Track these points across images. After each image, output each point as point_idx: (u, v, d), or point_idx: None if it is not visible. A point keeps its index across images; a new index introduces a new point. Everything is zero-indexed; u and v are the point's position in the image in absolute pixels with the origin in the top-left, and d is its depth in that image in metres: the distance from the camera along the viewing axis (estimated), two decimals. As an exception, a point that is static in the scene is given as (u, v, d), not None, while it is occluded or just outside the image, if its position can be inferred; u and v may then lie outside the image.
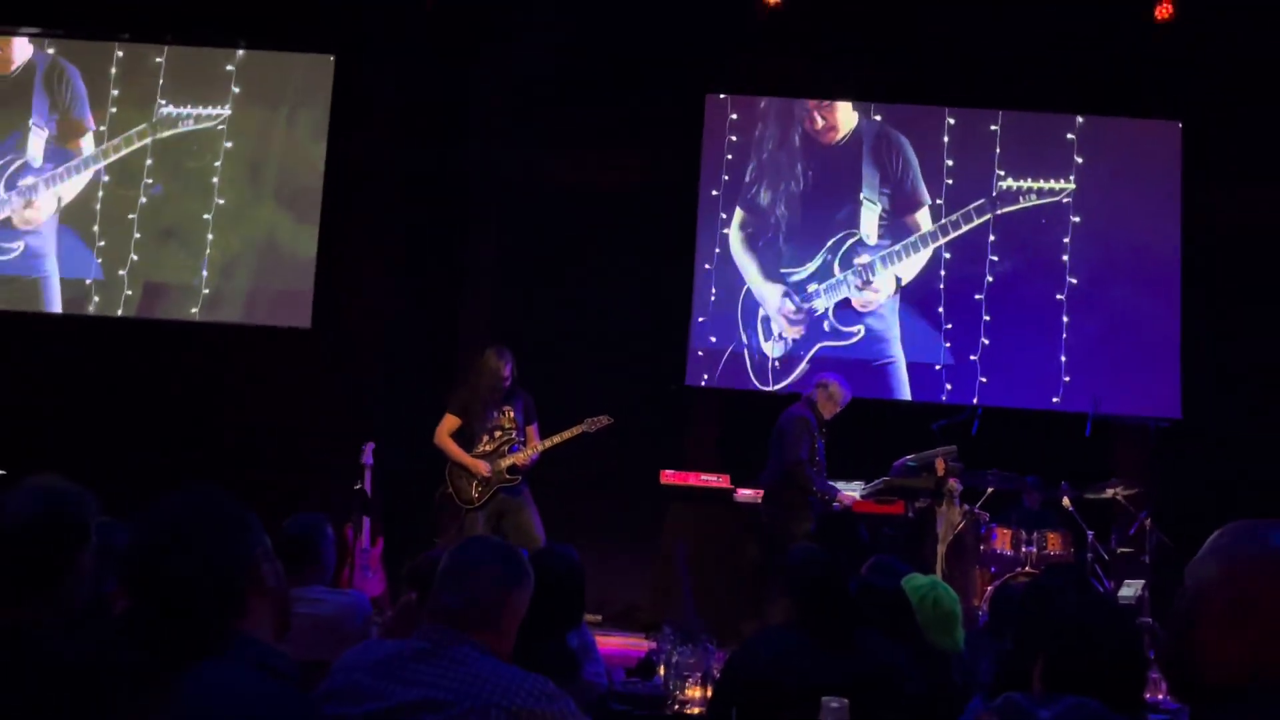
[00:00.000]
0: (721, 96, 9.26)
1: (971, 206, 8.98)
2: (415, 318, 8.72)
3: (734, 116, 9.22)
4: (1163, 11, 8.55)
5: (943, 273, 9.01)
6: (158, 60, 8.68)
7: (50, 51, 8.72)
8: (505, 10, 9.01)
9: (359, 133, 8.66)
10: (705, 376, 8.94)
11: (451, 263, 9.13)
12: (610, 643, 6.72)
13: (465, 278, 9.22)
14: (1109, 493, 7.79)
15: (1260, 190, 9.06)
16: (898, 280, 8.98)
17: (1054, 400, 8.84)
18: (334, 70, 8.67)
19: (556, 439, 6.90)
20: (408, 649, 2.31)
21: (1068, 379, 8.84)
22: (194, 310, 8.48)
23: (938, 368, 8.83)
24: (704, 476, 7.88)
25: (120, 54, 8.70)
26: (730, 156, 9.07)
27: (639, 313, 8.96)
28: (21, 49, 8.70)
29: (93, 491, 2.36)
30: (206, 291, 8.54)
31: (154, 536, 1.78)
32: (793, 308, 8.94)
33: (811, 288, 8.97)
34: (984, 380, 8.83)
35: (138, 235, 8.58)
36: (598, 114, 9.04)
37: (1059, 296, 8.95)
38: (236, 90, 8.67)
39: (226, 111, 8.63)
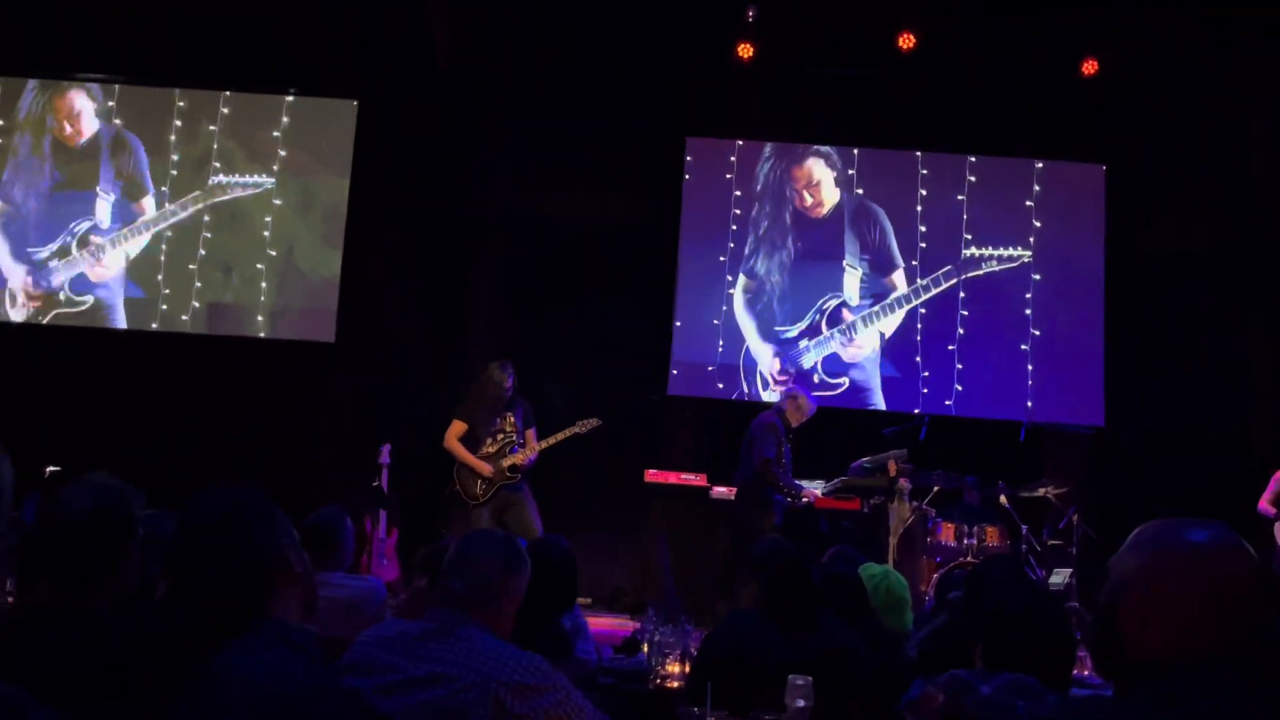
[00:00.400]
0: (701, 140, 9.29)
1: (940, 273, 9.04)
2: (427, 334, 8.72)
3: (731, 159, 9.25)
4: (1089, 68, 8.61)
5: (919, 326, 9.05)
6: (211, 129, 8.74)
7: (116, 123, 8.77)
8: (508, 68, 9.04)
9: (379, 170, 8.66)
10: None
11: (460, 286, 9.13)
12: (599, 623, 6.70)
13: (472, 299, 9.22)
14: (1040, 491, 7.79)
15: (1172, 224, 9.12)
16: (880, 336, 9.02)
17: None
18: (357, 114, 8.67)
19: (552, 440, 6.89)
20: (418, 629, 2.30)
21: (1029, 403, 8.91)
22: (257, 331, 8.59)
23: (916, 412, 8.85)
24: (683, 476, 7.88)
25: (178, 123, 8.75)
26: (734, 228, 9.14)
27: (625, 332, 8.96)
28: (89, 122, 8.74)
29: (140, 488, 2.35)
30: (260, 318, 8.59)
31: (194, 529, 1.77)
32: (779, 367, 8.99)
33: (802, 344, 9.04)
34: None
35: (198, 284, 8.65)
36: (589, 157, 9.05)
37: (1024, 347, 9.00)
38: (283, 153, 8.71)
39: (271, 182, 8.68)
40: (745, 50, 8.58)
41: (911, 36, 8.38)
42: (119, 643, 2.04)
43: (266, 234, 8.67)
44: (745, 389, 8.95)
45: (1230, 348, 9.04)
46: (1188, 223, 9.12)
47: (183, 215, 8.68)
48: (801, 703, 1.62)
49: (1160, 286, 9.01)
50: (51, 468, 6.65)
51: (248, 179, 8.69)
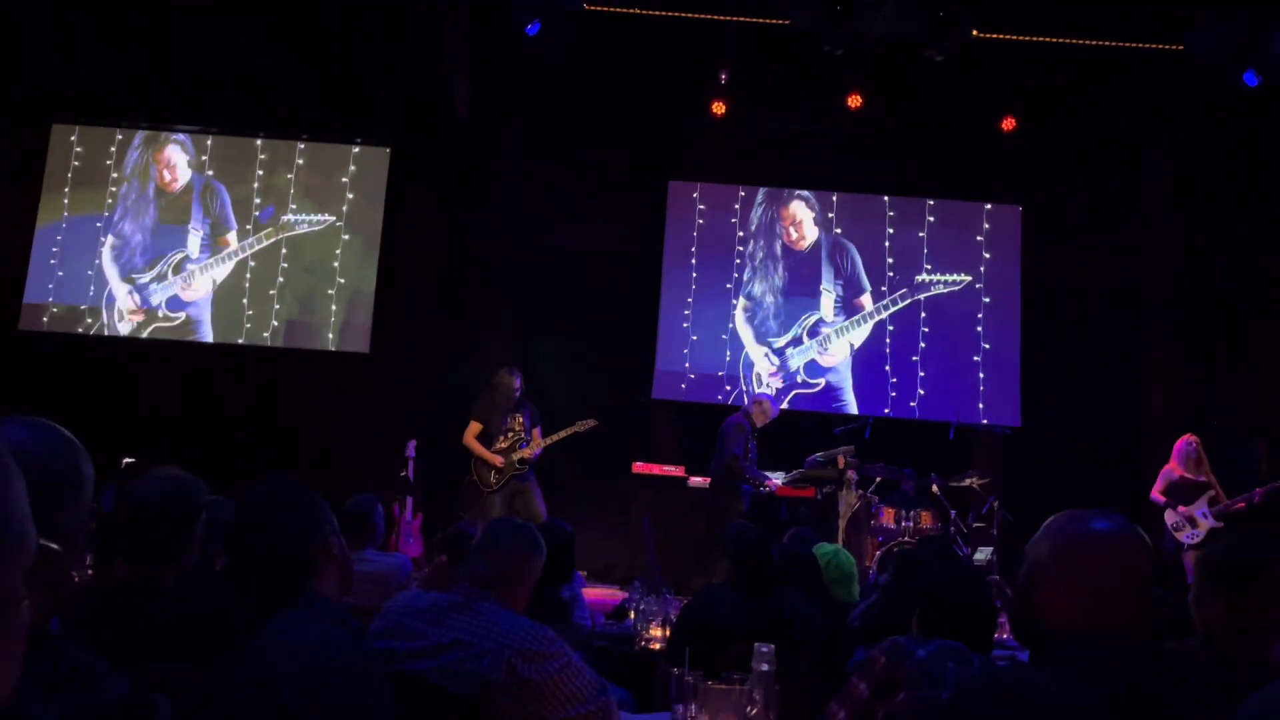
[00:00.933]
0: (681, 183, 9.32)
1: (898, 294, 9.10)
2: (449, 346, 8.70)
3: (695, 196, 9.28)
4: (1008, 124, 8.66)
5: (887, 340, 9.08)
6: (288, 177, 8.83)
7: (208, 173, 8.90)
8: (519, 117, 9.05)
9: (407, 206, 8.65)
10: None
11: (477, 305, 9.12)
12: (592, 593, 6.68)
13: (488, 316, 9.21)
14: (967, 482, 7.81)
15: (1077, 256, 9.18)
16: (851, 346, 9.06)
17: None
18: (389, 159, 8.67)
19: (555, 437, 6.88)
20: (445, 601, 2.29)
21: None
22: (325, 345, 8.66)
23: (886, 411, 8.87)
24: (665, 467, 7.86)
25: (260, 173, 8.84)
26: (738, 261, 9.22)
27: (618, 343, 8.97)
28: (183, 172, 8.89)
29: (206, 478, 2.35)
30: (331, 335, 8.64)
31: (247, 516, 1.77)
32: (770, 367, 9.03)
33: (789, 351, 9.06)
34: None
35: (277, 306, 8.67)
36: (589, 195, 9.07)
37: (975, 358, 9.04)
38: (350, 196, 8.77)
39: (329, 218, 8.75)
40: (719, 107, 8.62)
41: (859, 97, 8.42)
42: (184, 613, 2.03)
43: (331, 263, 8.69)
44: (744, 388, 8.94)
45: (1128, 361, 9.10)
46: (1092, 254, 9.18)
47: (258, 247, 8.76)
48: (765, 667, 1.62)
49: (1068, 308, 9.07)
50: (127, 459, 6.60)
51: (311, 216, 8.76)
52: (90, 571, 2.91)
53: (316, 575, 1.75)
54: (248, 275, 8.69)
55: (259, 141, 8.77)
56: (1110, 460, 8.70)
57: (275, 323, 8.58)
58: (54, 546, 1.06)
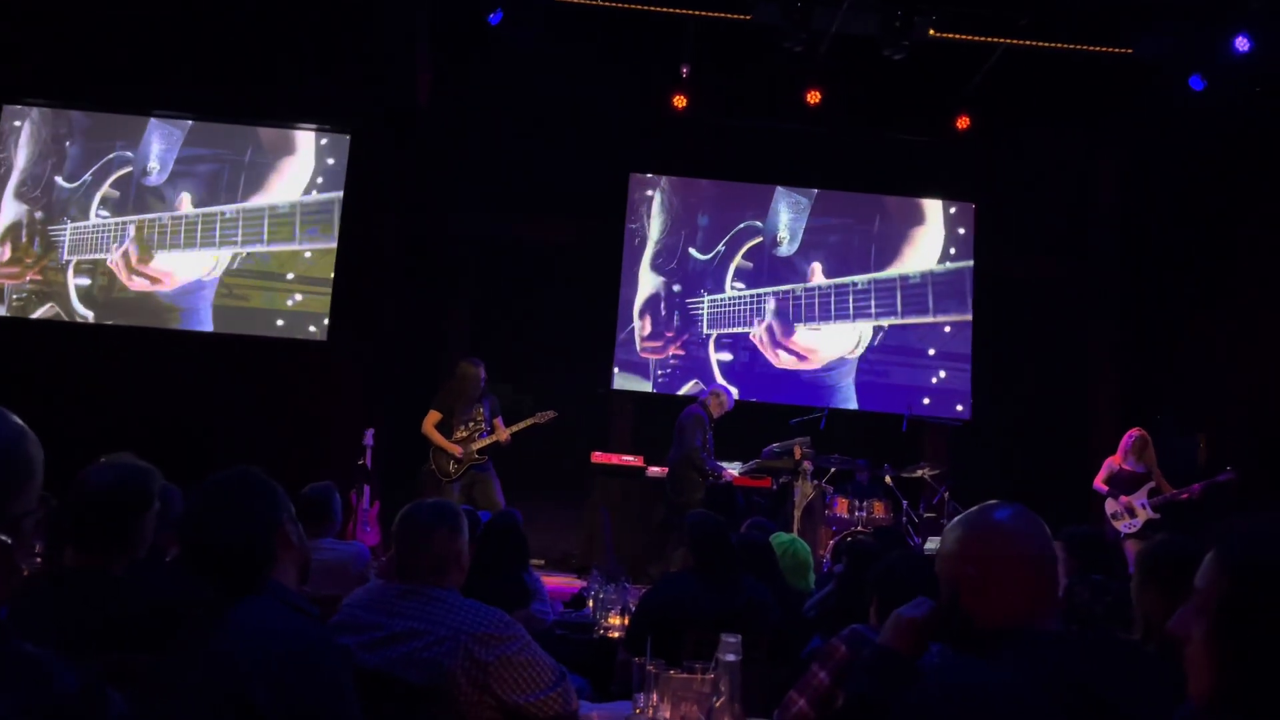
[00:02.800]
0: (642, 175, 9.30)
1: (854, 287, 9.16)
2: (407, 334, 8.59)
3: (655, 189, 9.25)
4: (962, 123, 8.74)
5: (844, 332, 9.14)
6: (247, 162, 8.53)
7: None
8: (479, 107, 8.96)
9: (368, 192, 8.48)
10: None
11: (437, 293, 9.03)
12: (549, 581, 6.64)
13: (447, 306, 9.12)
14: (918, 472, 7.89)
15: (1027, 253, 9.31)
16: (808, 337, 9.12)
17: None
18: (350, 144, 8.51)
19: (515, 428, 6.82)
20: (396, 590, 2.24)
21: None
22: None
23: (839, 403, 8.94)
24: (623, 458, 7.85)
25: (221, 157, 8.56)
26: (696, 253, 9.21)
27: (576, 336, 8.94)
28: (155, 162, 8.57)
29: (157, 466, 2.28)
30: (285, 322, 8.40)
31: (207, 506, 1.72)
32: (728, 356, 9.10)
33: (750, 337, 9.13)
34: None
35: (234, 292, 8.42)
36: (548, 187, 9.01)
37: (929, 351, 9.13)
38: (309, 182, 8.50)
39: (289, 204, 8.49)
40: (680, 101, 8.59)
41: (818, 94, 8.44)
42: (137, 602, 1.98)
43: (289, 249, 8.46)
44: (704, 378, 8.96)
45: (1074, 356, 9.26)
46: (1041, 251, 9.32)
47: (227, 232, 8.46)
48: (732, 657, 1.60)
49: (1018, 303, 9.19)
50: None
51: (270, 202, 8.50)
52: (39, 560, 2.83)
53: (276, 565, 1.71)
54: (208, 261, 8.46)
55: (218, 126, 8.56)
56: (1057, 452, 8.84)
57: (232, 308, 8.38)
58: (4, 539, 1.02)
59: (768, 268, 9.19)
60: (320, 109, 8.46)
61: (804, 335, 9.11)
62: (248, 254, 8.44)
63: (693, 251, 9.21)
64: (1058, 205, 9.28)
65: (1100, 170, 9.36)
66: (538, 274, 8.98)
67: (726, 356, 9.06)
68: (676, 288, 9.14)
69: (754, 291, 9.16)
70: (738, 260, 9.20)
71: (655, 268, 9.16)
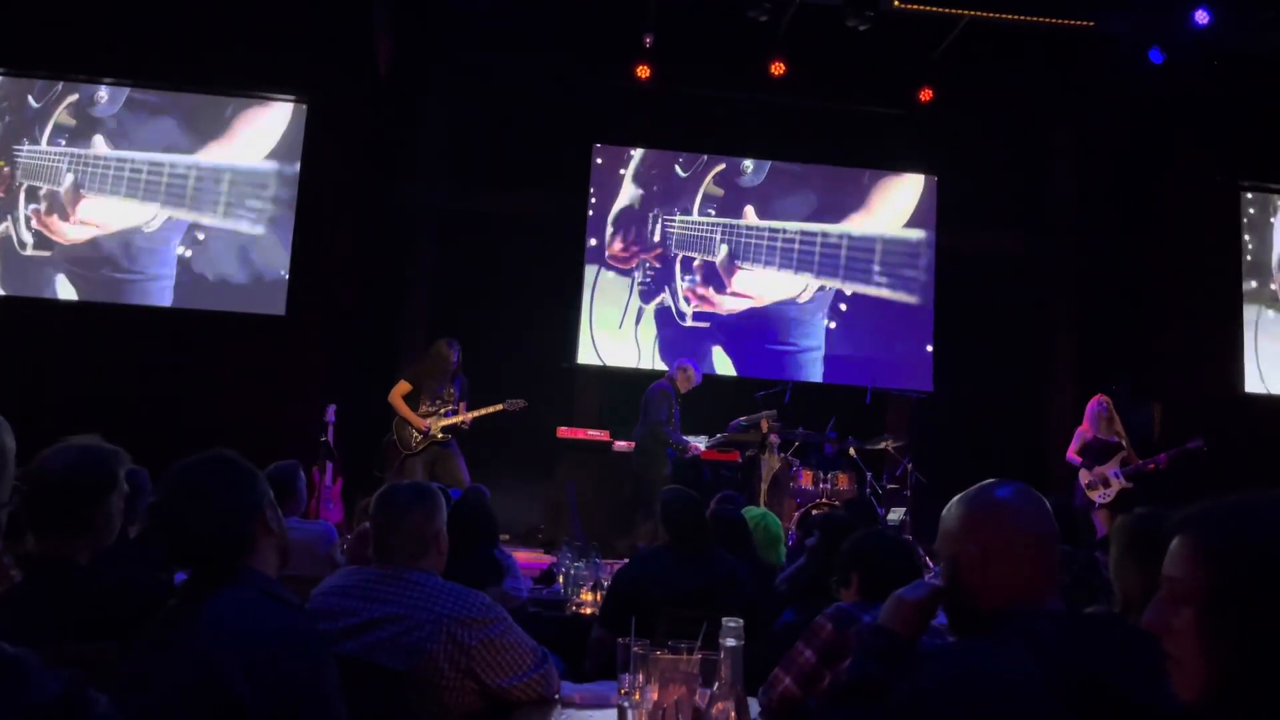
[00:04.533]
0: (606, 146, 9.20)
1: (818, 258, 9.13)
2: (368, 308, 8.44)
3: (619, 160, 9.17)
4: (925, 95, 8.75)
5: (807, 305, 9.14)
6: (200, 130, 8.28)
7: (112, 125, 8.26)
8: (439, 77, 8.79)
9: (326, 163, 8.29)
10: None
11: (398, 266, 8.89)
12: (517, 557, 6.61)
13: (408, 279, 8.99)
14: (882, 445, 7.94)
15: (987, 226, 9.38)
16: (772, 308, 9.12)
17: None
18: (306, 114, 8.30)
19: (481, 412, 6.78)
20: (374, 575, 2.19)
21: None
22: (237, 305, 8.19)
23: (804, 375, 8.98)
24: (589, 432, 7.82)
25: (171, 125, 8.24)
26: (662, 225, 9.11)
27: (542, 309, 8.86)
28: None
29: (129, 447, 2.20)
30: (244, 296, 8.17)
31: (181, 493, 1.65)
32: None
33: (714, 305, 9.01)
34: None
35: (189, 266, 8.14)
36: (511, 159, 8.89)
37: (891, 324, 9.18)
38: (265, 152, 8.27)
39: (243, 174, 8.22)
40: (643, 71, 8.50)
41: (782, 65, 8.39)
42: (103, 590, 1.91)
43: (245, 221, 8.24)
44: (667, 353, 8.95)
45: (1033, 329, 9.37)
46: (1001, 225, 9.39)
47: (176, 201, 8.19)
48: (733, 641, 1.57)
49: (978, 277, 9.26)
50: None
51: (225, 165, 8.25)
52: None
53: (254, 552, 1.65)
54: (157, 233, 8.22)
55: (171, 94, 8.30)
56: (1017, 423, 8.97)
57: (186, 283, 8.17)
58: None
59: (730, 238, 9.17)
60: (278, 79, 8.24)
61: (764, 304, 9.10)
62: (201, 228, 8.22)
63: (658, 221, 9.15)
64: (1019, 178, 9.35)
65: (1060, 143, 9.44)
66: (500, 247, 8.87)
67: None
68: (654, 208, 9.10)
69: (715, 220, 9.13)
70: (695, 234, 9.17)
71: (623, 239, 9.10)
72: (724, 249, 9.12)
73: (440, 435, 6.66)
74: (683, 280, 9.07)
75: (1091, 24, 7.62)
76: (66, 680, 0.98)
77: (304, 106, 8.27)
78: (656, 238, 9.12)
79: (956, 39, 8.19)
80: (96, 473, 2.08)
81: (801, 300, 9.12)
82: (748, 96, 8.95)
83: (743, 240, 9.15)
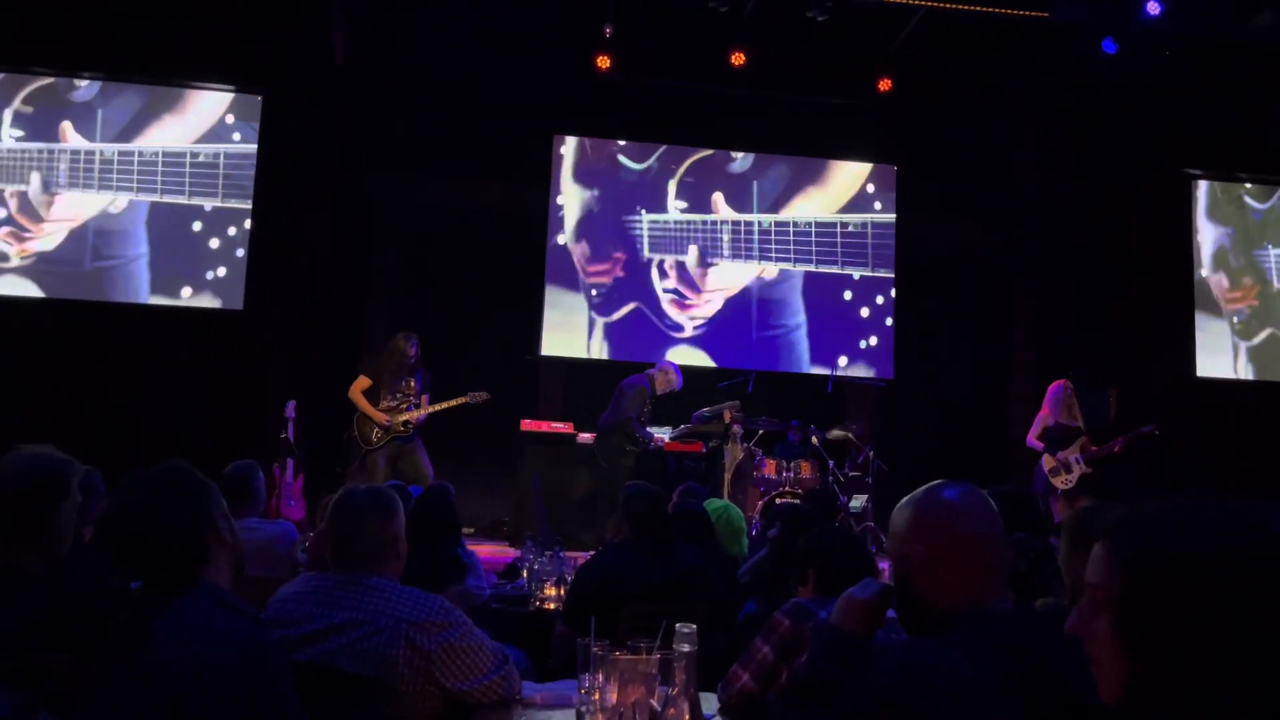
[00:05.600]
0: (566, 137, 9.18)
1: (775, 253, 9.19)
2: (327, 302, 8.35)
3: (580, 151, 9.15)
4: (884, 85, 8.81)
5: (768, 294, 9.17)
6: (155, 122, 8.11)
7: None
8: (398, 67, 8.69)
9: (283, 154, 8.18)
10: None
11: (358, 260, 8.81)
12: (481, 550, 6.60)
13: (369, 272, 8.91)
14: (844, 433, 8.02)
15: (947, 216, 9.48)
16: (731, 299, 9.14)
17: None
18: (262, 105, 8.19)
19: (443, 405, 6.75)
20: (332, 580, 2.19)
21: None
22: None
23: (766, 365, 9.00)
24: (553, 425, 7.81)
25: (127, 117, 8.07)
26: (624, 215, 9.07)
27: (504, 301, 8.82)
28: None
29: (65, 447, 2.17)
30: (201, 291, 8.02)
31: (133, 504, 1.64)
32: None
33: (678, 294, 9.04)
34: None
35: (144, 261, 8.02)
36: (470, 151, 8.83)
37: (852, 313, 9.25)
38: (221, 144, 8.14)
39: (200, 166, 8.10)
40: (604, 61, 8.47)
41: (742, 55, 8.41)
42: (57, 601, 1.89)
43: (202, 213, 8.11)
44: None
45: (992, 318, 9.49)
46: (960, 214, 9.49)
47: (124, 192, 8.03)
48: (687, 647, 1.59)
49: (939, 266, 9.37)
50: None
51: (181, 161, 8.12)
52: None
53: (208, 562, 1.64)
54: (112, 227, 8.08)
55: (126, 85, 8.13)
56: (976, 410, 9.09)
57: (141, 279, 8.03)
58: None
59: (693, 228, 9.19)
60: (232, 69, 8.10)
61: (725, 295, 9.15)
62: (157, 222, 8.08)
63: (619, 211, 9.14)
64: (977, 168, 9.45)
65: (1018, 133, 9.55)
66: (462, 239, 8.82)
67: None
68: (604, 248, 9.08)
69: (681, 249, 9.16)
70: (657, 223, 9.18)
71: (584, 229, 9.09)
72: (694, 250, 9.13)
73: (401, 429, 6.63)
74: (661, 281, 9.08)
75: (1046, 14, 7.71)
76: (18, 702, 0.98)
77: (259, 99, 8.15)
78: (623, 240, 9.11)
79: (914, 30, 8.25)
80: (49, 482, 2.07)
81: (768, 278, 9.19)
82: (708, 88, 8.96)
83: (712, 235, 9.17)
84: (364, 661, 2.02)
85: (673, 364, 7.47)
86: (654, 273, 9.09)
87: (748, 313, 9.17)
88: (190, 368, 7.71)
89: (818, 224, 9.29)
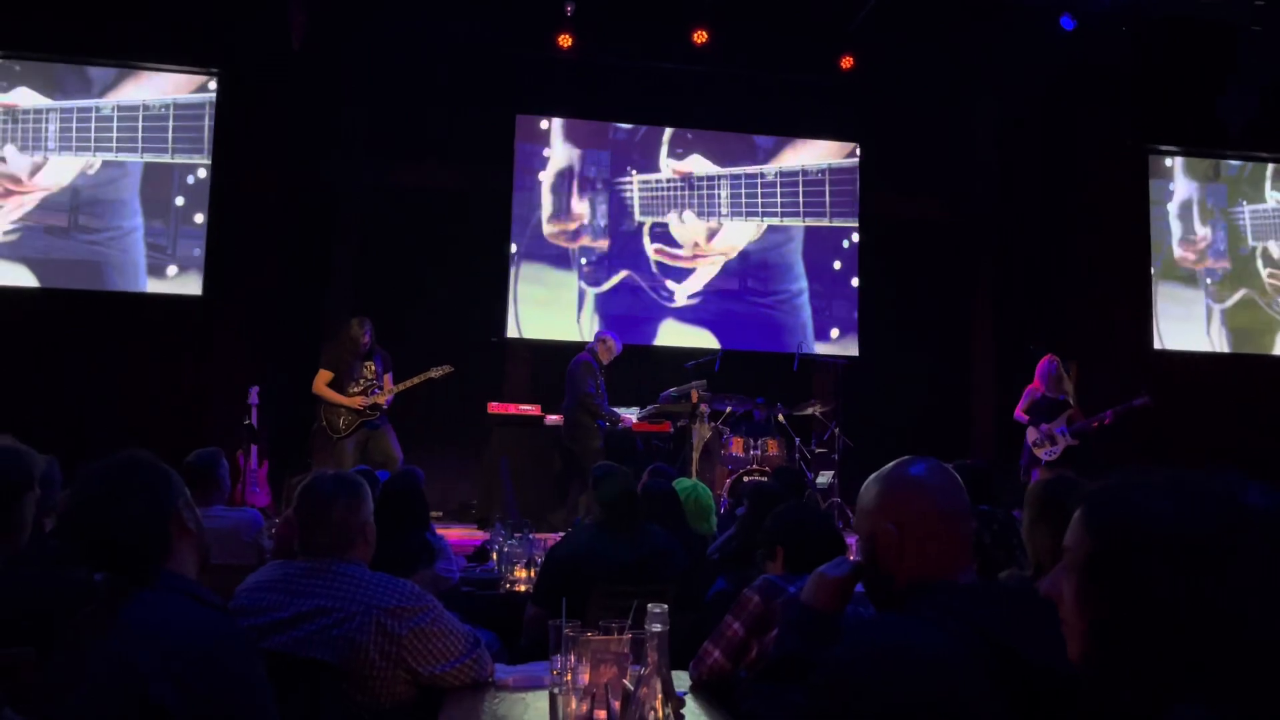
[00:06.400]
0: (528, 116, 9.11)
1: (738, 230, 9.15)
2: (289, 288, 8.24)
3: (542, 130, 9.08)
4: (846, 62, 8.82)
5: (733, 273, 9.17)
6: (108, 103, 7.93)
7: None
8: (356, 49, 8.57)
9: (239, 138, 8.03)
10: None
11: (320, 243, 8.69)
12: (450, 534, 6.59)
13: (330, 257, 8.80)
14: (810, 410, 8.09)
15: (909, 193, 9.54)
16: (702, 277, 9.16)
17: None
18: (217, 85, 8.03)
19: (408, 383, 6.71)
20: (300, 568, 2.17)
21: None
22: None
23: (732, 344, 9.00)
24: (520, 407, 7.78)
25: (78, 99, 7.83)
26: (588, 194, 8.95)
27: (468, 283, 8.76)
28: None
29: (24, 438, 2.13)
30: (158, 277, 7.85)
31: (92, 495, 1.61)
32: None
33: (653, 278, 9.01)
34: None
35: (100, 246, 7.81)
36: (434, 131, 8.73)
37: (817, 290, 9.30)
38: (176, 125, 7.94)
39: (154, 148, 7.91)
40: (565, 40, 8.41)
41: (704, 33, 8.38)
42: (17, 595, 1.86)
43: (158, 198, 7.94)
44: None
45: (954, 294, 9.58)
46: (922, 192, 9.55)
47: (74, 176, 7.87)
48: (659, 627, 1.60)
49: (901, 243, 9.43)
50: None
51: (133, 143, 7.94)
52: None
53: (171, 553, 1.62)
54: (65, 211, 7.90)
55: (76, 65, 7.94)
56: (939, 386, 9.19)
57: (97, 264, 7.88)
58: None
59: (658, 205, 9.17)
60: (185, 51, 7.93)
61: (696, 276, 9.16)
62: (110, 205, 7.91)
63: (583, 190, 9.10)
64: (939, 145, 9.51)
65: (980, 111, 9.61)
66: (424, 221, 8.74)
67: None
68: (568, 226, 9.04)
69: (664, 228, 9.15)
70: (622, 202, 9.15)
71: (548, 208, 9.04)
72: (688, 212, 9.15)
73: (369, 414, 6.59)
74: (651, 245, 9.06)
75: (1006, -9, 7.76)
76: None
77: (213, 81, 7.99)
78: (601, 210, 9.07)
79: (876, 7, 8.25)
80: (9, 474, 2.03)
81: (757, 239, 9.22)
82: (671, 66, 8.92)
83: (700, 192, 9.18)
84: (335, 648, 2.02)
85: (611, 333, 7.48)
86: (645, 237, 9.08)
87: (710, 294, 9.18)
88: (150, 354, 7.59)
89: (782, 174, 9.31)
